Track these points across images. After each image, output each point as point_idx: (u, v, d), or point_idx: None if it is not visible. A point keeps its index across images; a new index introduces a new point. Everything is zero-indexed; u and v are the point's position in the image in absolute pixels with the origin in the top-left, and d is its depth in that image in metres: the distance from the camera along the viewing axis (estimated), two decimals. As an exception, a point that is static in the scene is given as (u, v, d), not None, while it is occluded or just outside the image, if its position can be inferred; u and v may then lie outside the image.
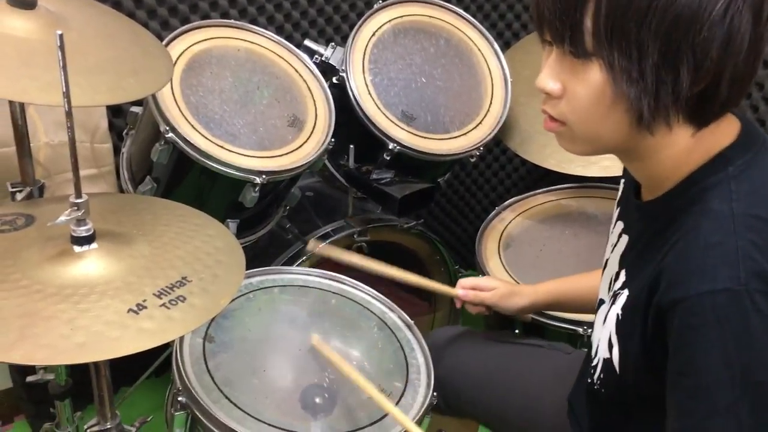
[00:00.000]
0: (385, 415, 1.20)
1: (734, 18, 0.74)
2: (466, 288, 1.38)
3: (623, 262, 0.97)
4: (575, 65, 0.80)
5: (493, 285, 1.37)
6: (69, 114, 0.91)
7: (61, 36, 0.87)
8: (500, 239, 1.77)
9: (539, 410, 1.27)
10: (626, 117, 0.80)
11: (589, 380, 1.01)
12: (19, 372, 1.82)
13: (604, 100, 0.79)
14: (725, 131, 0.85)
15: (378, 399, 1.17)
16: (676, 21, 0.73)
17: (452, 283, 1.97)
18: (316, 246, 1.50)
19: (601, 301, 1.03)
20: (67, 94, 0.89)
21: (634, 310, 0.88)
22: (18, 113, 1.25)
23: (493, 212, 1.85)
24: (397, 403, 1.23)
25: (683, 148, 0.83)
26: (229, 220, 1.57)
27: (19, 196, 1.30)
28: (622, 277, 0.95)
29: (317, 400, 1.23)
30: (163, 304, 0.93)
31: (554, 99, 0.84)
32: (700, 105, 0.79)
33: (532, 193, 1.91)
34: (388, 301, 1.45)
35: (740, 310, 0.74)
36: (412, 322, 1.41)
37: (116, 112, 1.81)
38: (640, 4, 0.74)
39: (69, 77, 0.88)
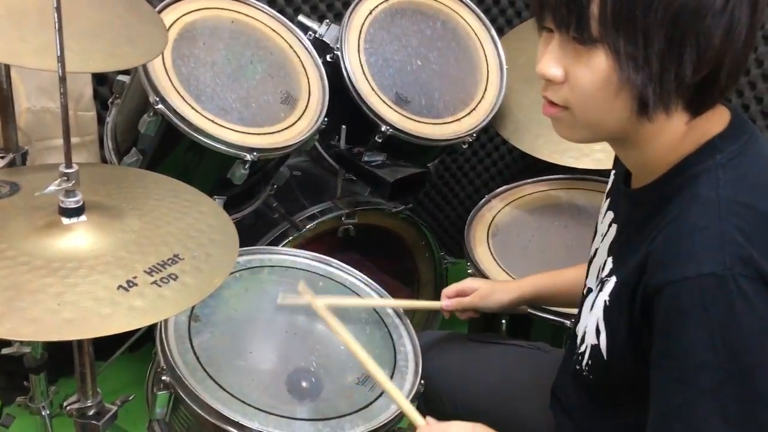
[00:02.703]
0: (372, 402, 1.19)
1: (735, 7, 0.76)
2: (450, 297, 1.37)
3: (611, 251, 0.98)
4: (579, 51, 0.81)
5: (475, 286, 1.36)
6: (63, 80, 0.87)
7: (58, -3, 0.82)
8: (489, 227, 1.75)
9: (520, 408, 1.27)
10: (629, 104, 0.81)
11: (577, 367, 1.02)
12: (-8, 343, 1.77)
13: (609, 87, 0.80)
14: (716, 120, 0.87)
15: (370, 367, 1.15)
16: (682, 9, 0.75)
17: (437, 270, 1.98)
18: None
19: (589, 290, 1.04)
20: (61, 59, 0.85)
21: (621, 295, 0.89)
22: (3, 76, 1.20)
23: (483, 200, 1.83)
24: (383, 392, 1.21)
25: (677, 135, 0.85)
26: (216, 196, 1.53)
27: (1, 163, 1.25)
28: (609, 264, 0.96)
29: (304, 384, 1.21)
30: (155, 282, 0.91)
31: (556, 85, 0.85)
32: (700, 92, 0.81)
33: (522, 182, 1.90)
34: (378, 286, 1.44)
35: (725, 294, 0.76)
36: (401, 309, 1.39)
37: (101, 80, 1.75)
38: None
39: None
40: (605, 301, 0.93)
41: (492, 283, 1.40)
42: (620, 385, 0.96)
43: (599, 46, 0.78)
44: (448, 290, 1.38)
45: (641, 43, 0.76)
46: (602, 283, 0.95)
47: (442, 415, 1.36)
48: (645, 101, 0.80)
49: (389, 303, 1.40)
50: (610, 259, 0.97)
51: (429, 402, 1.32)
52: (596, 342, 0.95)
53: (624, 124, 0.84)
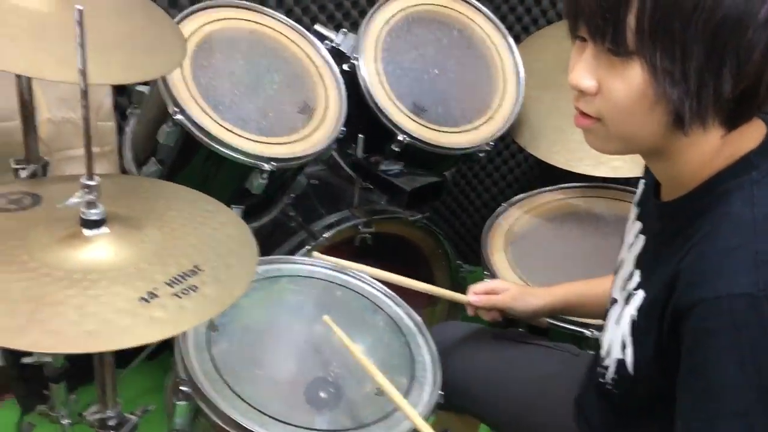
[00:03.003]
0: (393, 412, 1.18)
1: None
2: (478, 293, 1.35)
3: (639, 263, 0.97)
4: (614, 63, 0.79)
5: (505, 287, 1.35)
6: (85, 93, 0.87)
7: (80, 11, 0.83)
8: (506, 236, 1.75)
9: (546, 410, 1.26)
10: (665, 118, 0.79)
11: (601, 380, 1.00)
12: (12, 351, 1.78)
13: (644, 100, 0.78)
14: (751, 135, 0.84)
15: (387, 387, 1.13)
16: (722, 22, 0.72)
17: (453, 278, 1.98)
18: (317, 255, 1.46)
19: (614, 300, 1.02)
20: (84, 72, 0.86)
21: (650, 312, 0.87)
22: (25, 88, 1.21)
23: (500, 208, 1.83)
24: (403, 400, 1.21)
25: (711, 149, 0.83)
26: (234, 206, 1.53)
27: (23, 174, 1.26)
28: (637, 278, 0.94)
29: (322, 394, 1.21)
30: (175, 294, 0.91)
31: (588, 96, 0.83)
32: (737, 106, 0.79)
33: (539, 190, 1.89)
34: (395, 295, 1.43)
35: (758, 316, 0.74)
36: (419, 319, 1.39)
37: (120, 90, 1.76)
38: (685, 4, 0.72)
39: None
40: (632, 316, 0.91)
41: (523, 286, 1.39)
42: (646, 400, 0.94)
43: (635, 59, 0.77)
44: (476, 287, 1.36)
45: (679, 56, 0.74)
46: (629, 296, 0.94)
47: (463, 413, 1.35)
48: (681, 116, 0.78)
49: (416, 285, 1.38)
50: (637, 272, 0.95)
51: (449, 399, 1.30)
52: (622, 357, 0.93)
53: (658, 137, 0.82)
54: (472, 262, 2.14)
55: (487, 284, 1.36)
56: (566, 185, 1.88)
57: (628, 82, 0.78)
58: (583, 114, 0.85)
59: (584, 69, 0.82)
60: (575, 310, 1.37)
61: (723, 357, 0.75)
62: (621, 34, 0.76)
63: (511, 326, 1.47)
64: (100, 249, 0.93)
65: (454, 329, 1.44)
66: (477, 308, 1.36)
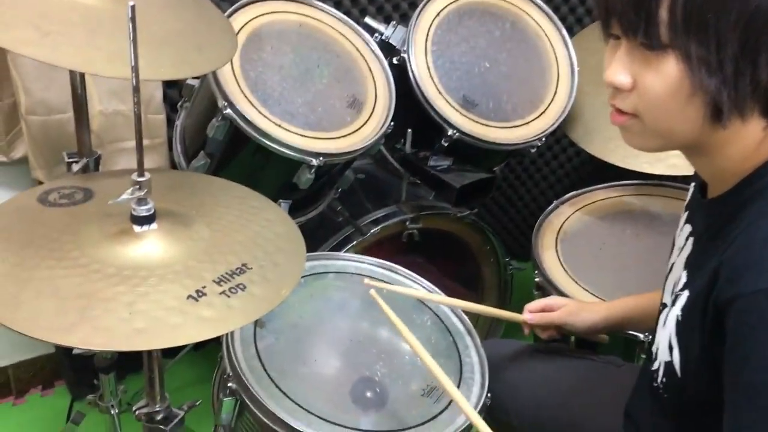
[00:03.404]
0: (438, 414, 1.17)
1: None
2: (533, 311, 1.32)
3: (687, 264, 0.94)
4: (648, 57, 0.78)
5: (562, 303, 1.32)
6: (136, 89, 0.87)
7: (133, 7, 0.83)
8: (558, 234, 1.70)
9: (591, 422, 1.23)
10: (702, 110, 0.78)
11: (653, 384, 0.97)
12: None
13: (681, 93, 0.77)
14: None
15: (437, 373, 1.10)
16: (756, 11, 0.72)
17: (501, 275, 1.94)
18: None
19: (663, 305, 0.99)
20: (135, 69, 0.86)
21: (693, 309, 0.85)
22: (78, 82, 1.22)
23: (551, 206, 1.78)
24: (450, 403, 1.19)
25: (752, 142, 0.81)
26: (281, 200, 1.53)
27: (75, 167, 1.27)
28: (683, 278, 0.92)
29: (368, 394, 1.20)
30: (223, 292, 0.90)
31: (624, 92, 0.82)
32: None
33: (592, 188, 1.84)
34: (442, 294, 1.41)
35: None
36: (467, 319, 1.36)
37: (171, 83, 1.77)
38: None
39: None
40: (677, 316, 0.89)
41: (578, 302, 1.35)
42: (696, 402, 0.91)
43: (669, 52, 0.76)
44: (532, 305, 1.33)
45: (714, 47, 0.73)
46: (676, 297, 0.91)
47: (507, 429, 1.33)
48: (719, 107, 0.77)
49: (471, 307, 1.35)
50: (684, 273, 0.93)
51: (493, 414, 1.28)
52: (669, 359, 0.91)
53: (697, 131, 0.80)
54: (521, 258, 2.10)
55: (542, 302, 1.33)
56: (620, 182, 1.83)
57: (664, 76, 0.77)
58: (619, 111, 0.84)
59: (619, 66, 0.81)
60: (633, 325, 1.32)
61: (765, 352, 0.73)
62: (654, 27, 0.75)
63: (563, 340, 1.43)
64: (150, 245, 0.94)
65: (496, 346, 1.41)
66: (532, 327, 1.34)
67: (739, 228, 0.80)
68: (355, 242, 1.66)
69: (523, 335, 1.41)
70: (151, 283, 0.89)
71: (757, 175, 0.82)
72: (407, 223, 1.72)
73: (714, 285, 0.79)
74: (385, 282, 1.39)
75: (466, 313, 1.39)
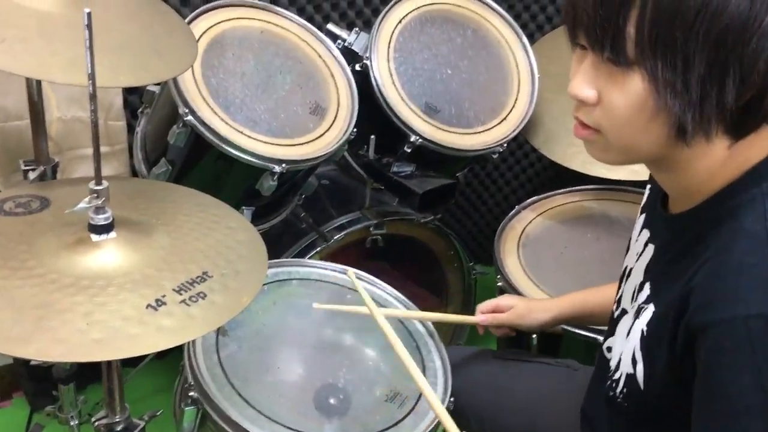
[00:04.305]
0: (401, 419, 1.17)
1: None
2: (485, 312, 1.35)
3: (648, 274, 0.94)
4: (614, 73, 0.76)
5: (511, 303, 1.34)
6: (93, 97, 0.86)
7: (89, 14, 0.82)
8: (519, 239, 1.72)
9: (549, 425, 1.24)
10: (666, 129, 0.77)
11: (611, 393, 0.98)
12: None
13: (645, 111, 0.76)
14: (760, 145, 0.81)
15: (411, 368, 1.09)
16: (725, 31, 0.69)
17: (466, 279, 1.96)
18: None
19: (623, 311, 1.00)
20: (92, 76, 0.85)
21: (661, 328, 0.85)
22: (34, 88, 1.20)
23: (513, 211, 1.80)
24: (413, 408, 1.20)
25: (717, 160, 0.80)
26: (244, 207, 1.52)
27: (32, 175, 1.25)
28: (647, 290, 0.92)
29: (332, 400, 1.19)
30: (183, 301, 0.90)
31: (588, 106, 0.81)
32: (742, 117, 0.76)
33: (553, 192, 1.86)
34: (406, 299, 1.42)
35: None
36: (431, 324, 1.37)
37: (131, 90, 1.75)
38: (687, 13, 0.69)
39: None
40: (643, 330, 0.89)
41: (529, 300, 1.37)
42: (657, 414, 0.92)
43: (635, 69, 0.74)
44: (483, 306, 1.36)
45: (680, 67, 0.72)
46: (639, 309, 0.92)
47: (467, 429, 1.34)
48: (683, 127, 0.75)
49: (421, 315, 1.38)
50: (647, 285, 0.93)
51: (454, 419, 1.29)
52: (632, 371, 0.91)
53: (661, 148, 0.80)
54: (485, 262, 2.12)
55: (493, 302, 1.36)
56: (580, 187, 1.86)
57: (628, 93, 0.76)
58: (583, 125, 0.83)
59: (584, 79, 0.79)
60: (584, 320, 1.36)
61: (740, 379, 0.73)
62: (621, 43, 0.73)
63: (524, 335, 1.45)
64: (108, 254, 0.93)
65: (458, 352, 1.42)
66: (486, 327, 1.36)
67: (708, 251, 0.79)
68: (319, 248, 1.66)
69: (485, 341, 1.43)
70: (110, 292, 0.88)
71: (725, 195, 0.81)
72: (371, 229, 1.72)
73: (684, 309, 0.79)
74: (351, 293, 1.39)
75: (426, 308, 1.41)
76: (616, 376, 0.97)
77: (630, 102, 0.76)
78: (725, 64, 0.71)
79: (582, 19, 0.76)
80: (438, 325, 1.40)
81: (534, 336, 1.47)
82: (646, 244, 0.98)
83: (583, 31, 0.77)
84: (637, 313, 0.92)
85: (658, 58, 0.72)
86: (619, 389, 0.96)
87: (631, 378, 0.92)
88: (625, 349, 0.94)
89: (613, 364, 0.99)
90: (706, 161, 0.81)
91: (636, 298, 0.95)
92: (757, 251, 0.75)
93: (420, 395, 1.22)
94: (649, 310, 0.89)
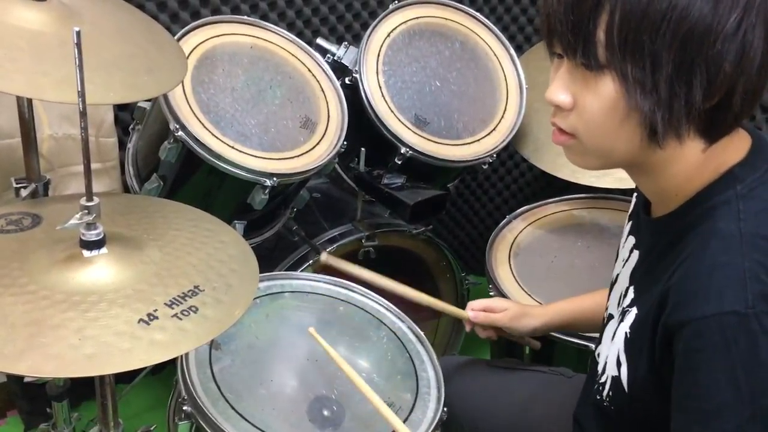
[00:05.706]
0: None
1: (747, 32, 0.74)
2: (476, 310, 1.35)
3: (632, 279, 0.96)
4: (587, 77, 0.79)
5: (504, 306, 1.35)
6: (83, 114, 0.87)
7: (78, 33, 0.83)
8: (510, 248, 1.74)
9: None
10: (639, 130, 0.79)
11: (598, 397, 1.00)
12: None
13: (617, 113, 0.79)
14: (735, 147, 0.84)
15: (377, 403, 1.11)
16: (689, 34, 0.73)
17: (459, 290, 1.97)
18: (328, 258, 1.46)
19: (610, 316, 1.02)
20: (82, 94, 0.86)
21: (642, 330, 0.87)
22: (25, 107, 1.21)
23: (504, 220, 1.82)
24: (406, 418, 1.20)
25: (693, 163, 0.83)
26: (236, 221, 1.53)
27: (23, 193, 1.26)
28: (631, 294, 0.94)
29: (325, 412, 1.20)
30: (175, 315, 0.90)
31: (564, 111, 0.83)
32: (712, 118, 0.79)
33: (543, 202, 1.88)
34: (398, 311, 1.42)
35: (748, 333, 0.74)
36: (423, 334, 1.38)
37: (122, 106, 1.76)
38: (653, 16, 0.73)
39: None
40: (626, 332, 0.91)
41: (521, 306, 1.38)
42: (643, 417, 0.93)
43: (606, 72, 0.77)
44: (475, 303, 1.36)
45: (649, 68, 0.75)
46: (624, 313, 0.93)
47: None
48: (654, 128, 0.78)
49: (417, 296, 1.39)
50: (632, 289, 0.95)
51: (448, 429, 1.30)
52: (617, 374, 0.93)
53: (635, 151, 0.82)
54: (477, 272, 2.13)
55: (485, 302, 1.36)
56: (570, 196, 1.87)
57: (601, 96, 0.78)
58: (560, 130, 0.85)
59: (560, 85, 0.82)
60: (574, 326, 1.37)
61: (715, 376, 0.75)
62: (591, 48, 0.76)
63: (512, 345, 1.46)
64: (100, 270, 0.93)
65: (452, 362, 1.43)
66: (474, 325, 1.36)
67: (685, 252, 0.81)
68: (311, 261, 1.66)
69: (478, 352, 1.43)
70: (102, 308, 0.88)
71: (700, 198, 0.83)
72: (363, 241, 1.73)
73: (663, 309, 0.81)
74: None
75: (419, 318, 1.40)
76: (602, 379, 0.98)
77: (602, 104, 0.79)
78: (691, 65, 0.74)
79: (556, 27, 0.79)
80: (432, 335, 1.41)
81: (527, 350, 1.48)
82: (631, 251, 1.00)
83: (557, 38, 0.80)
84: (622, 317, 0.94)
85: (627, 59, 0.75)
86: (605, 392, 0.97)
87: (616, 381, 0.93)
88: (610, 352, 0.96)
89: (599, 368, 1.00)
90: (682, 164, 0.83)
91: (621, 303, 0.97)
92: (731, 250, 0.77)
93: (413, 405, 1.23)
94: (633, 313, 0.90)
